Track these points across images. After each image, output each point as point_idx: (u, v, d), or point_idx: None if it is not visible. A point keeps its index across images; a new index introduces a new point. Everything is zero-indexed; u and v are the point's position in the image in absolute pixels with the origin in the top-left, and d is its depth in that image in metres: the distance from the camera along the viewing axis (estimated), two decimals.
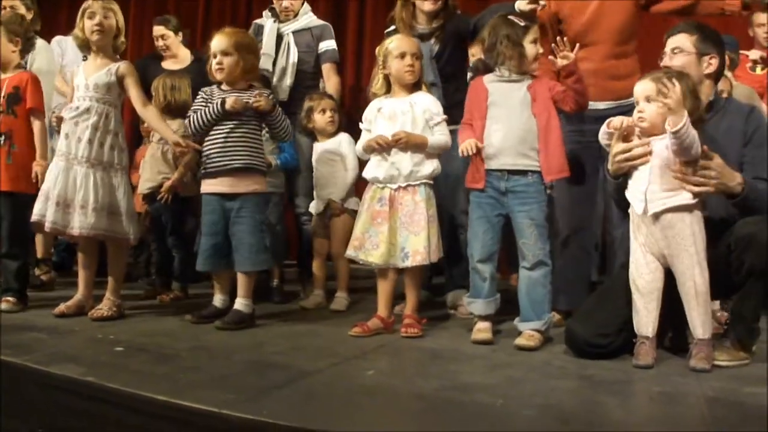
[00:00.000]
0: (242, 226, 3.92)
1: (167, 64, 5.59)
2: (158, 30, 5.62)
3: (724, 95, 4.50)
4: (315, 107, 4.66)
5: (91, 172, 3.99)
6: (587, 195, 3.96)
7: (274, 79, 5.01)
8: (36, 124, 4.42)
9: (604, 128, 3.25)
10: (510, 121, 3.52)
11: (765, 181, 3.13)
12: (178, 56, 5.65)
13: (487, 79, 3.63)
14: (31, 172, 4.31)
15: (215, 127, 3.96)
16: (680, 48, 3.33)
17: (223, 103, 3.89)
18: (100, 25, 4.07)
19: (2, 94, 4.35)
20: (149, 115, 4.23)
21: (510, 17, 3.60)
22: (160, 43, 5.62)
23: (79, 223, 3.94)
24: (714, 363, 2.96)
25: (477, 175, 3.56)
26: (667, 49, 3.38)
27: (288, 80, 5.00)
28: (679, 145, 2.90)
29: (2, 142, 4.32)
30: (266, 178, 4.13)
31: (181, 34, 5.67)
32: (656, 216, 3.01)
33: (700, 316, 2.94)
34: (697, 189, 2.95)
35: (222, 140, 3.94)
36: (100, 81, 4.08)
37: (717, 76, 3.41)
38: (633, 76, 3.75)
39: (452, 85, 4.28)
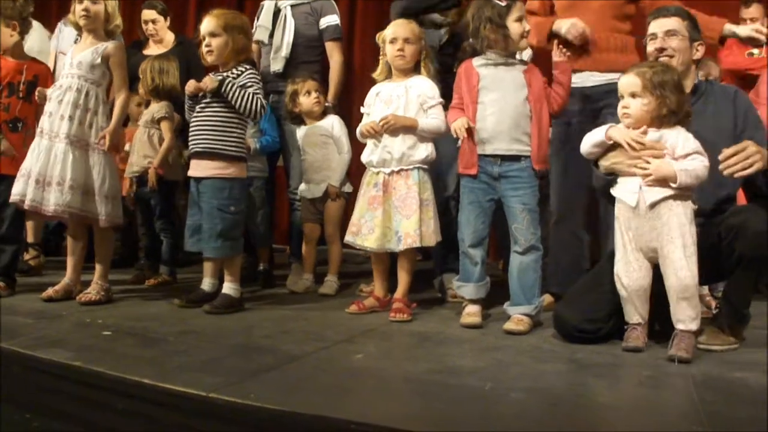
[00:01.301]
0: (202, 211, 3.91)
1: (150, 50, 5.53)
2: (149, 14, 5.56)
3: (711, 79, 4.55)
4: (300, 90, 4.62)
5: (69, 149, 3.95)
6: (579, 178, 3.95)
7: (271, 52, 4.96)
8: None
9: (597, 139, 3.19)
10: (503, 105, 3.51)
11: None
12: (163, 40, 5.61)
13: (477, 62, 3.59)
14: None
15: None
16: (676, 30, 3.32)
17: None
18: (87, 11, 4.05)
19: (22, 80, 4.37)
20: (119, 99, 4.15)
21: None
22: (150, 27, 5.58)
23: (54, 200, 3.90)
24: (704, 347, 2.98)
25: (469, 161, 3.54)
26: (659, 30, 3.35)
27: (283, 52, 4.92)
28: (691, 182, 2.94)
29: (20, 128, 4.35)
30: (242, 163, 4.02)
31: (168, 18, 5.64)
32: (650, 207, 2.96)
33: (685, 311, 2.90)
34: (746, 172, 2.92)
35: (193, 124, 3.96)
36: (85, 59, 4.05)
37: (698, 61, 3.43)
38: (625, 52, 3.78)
39: (452, 76, 4.22)
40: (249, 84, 3.91)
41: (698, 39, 3.35)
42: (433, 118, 3.79)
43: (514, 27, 3.51)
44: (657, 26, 3.37)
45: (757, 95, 4.86)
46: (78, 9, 4.06)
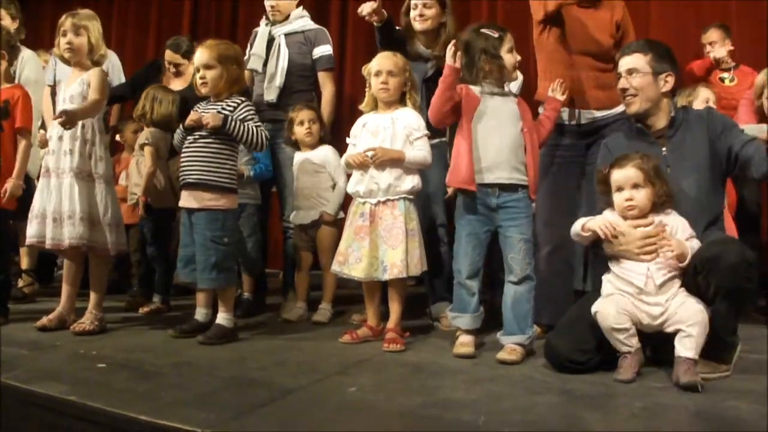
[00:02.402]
0: (196, 243, 3.91)
1: (172, 84, 5.54)
2: (171, 57, 5.61)
3: (710, 103, 4.58)
4: (295, 119, 4.66)
5: (75, 182, 3.98)
6: (570, 209, 3.99)
7: (265, 81, 4.99)
8: (22, 144, 4.42)
9: (577, 229, 3.32)
10: (502, 135, 3.54)
11: (750, 141, 3.24)
12: (185, 75, 5.60)
13: (475, 88, 3.61)
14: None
15: (187, 138, 3.98)
16: (635, 69, 3.38)
17: (185, 122, 3.93)
18: (70, 44, 4.10)
19: None
20: (88, 101, 4.08)
21: (483, 30, 3.60)
22: (171, 69, 5.60)
23: (68, 234, 3.94)
24: None
25: (467, 177, 3.51)
26: (622, 70, 3.43)
27: (277, 81, 4.95)
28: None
29: None
30: (234, 195, 4.02)
31: (192, 56, 5.61)
32: (659, 287, 3.04)
33: (693, 339, 2.91)
34: None
35: (185, 155, 3.97)
36: (75, 92, 4.09)
37: (673, 91, 3.49)
38: (613, 89, 3.80)
39: None
40: (248, 117, 3.94)
41: (665, 71, 3.38)
42: (418, 150, 3.84)
43: (507, 58, 3.57)
44: (621, 65, 3.45)
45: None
46: (62, 42, 4.10)
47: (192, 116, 3.90)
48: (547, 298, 3.85)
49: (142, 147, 4.87)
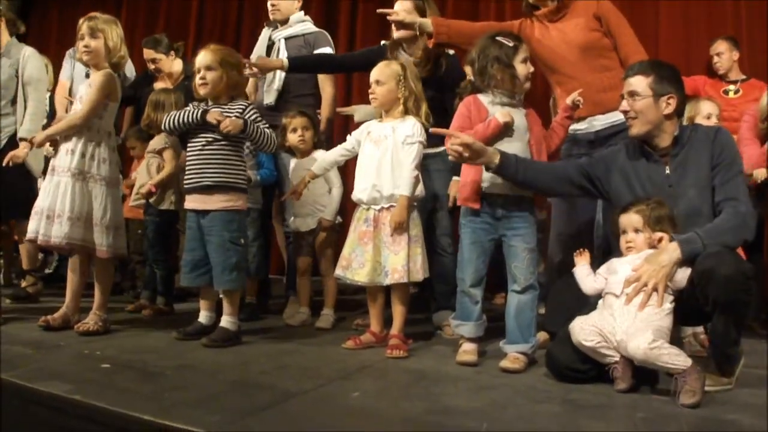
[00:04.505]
0: (212, 244, 3.91)
1: (159, 84, 5.61)
2: (148, 53, 5.66)
3: (713, 119, 4.55)
4: (288, 125, 4.68)
5: (71, 181, 4.00)
6: (583, 220, 3.99)
7: (264, 84, 5.03)
8: None
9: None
10: (509, 146, 3.51)
11: (732, 200, 3.20)
12: (172, 74, 5.68)
13: (483, 99, 3.60)
14: None
15: (191, 142, 3.97)
16: (636, 92, 3.36)
17: (204, 113, 3.88)
18: (87, 47, 4.12)
19: None
20: (71, 115, 4.20)
21: (498, 38, 3.58)
22: (151, 66, 5.64)
23: (55, 232, 3.95)
24: None
25: (473, 194, 3.53)
26: (624, 92, 3.42)
27: (276, 84, 5.00)
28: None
29: None
30: (246, 195, 4.07)
31: (173, 52, 5.67)
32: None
33: (667, 359, 2.90)
34: (660, 293, 3.03)
35: (196, 156, 3.94)
36: (83, 92, 4.14)
37: (680, 111, 3.46)
38: (618, 88, 3.78)
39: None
40: (257, 119, 3.96)
41: (666, 92, 3.34)
42: (406, 157, 3.83)
43: (520, 68, 3.55)
44: (624, 87, 3.44)
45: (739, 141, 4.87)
46: (80, 46, 4.13)
47: (215, 113, 3.86)
48: (557, 306, 3.86)
49: (158, 151, 4.88)
